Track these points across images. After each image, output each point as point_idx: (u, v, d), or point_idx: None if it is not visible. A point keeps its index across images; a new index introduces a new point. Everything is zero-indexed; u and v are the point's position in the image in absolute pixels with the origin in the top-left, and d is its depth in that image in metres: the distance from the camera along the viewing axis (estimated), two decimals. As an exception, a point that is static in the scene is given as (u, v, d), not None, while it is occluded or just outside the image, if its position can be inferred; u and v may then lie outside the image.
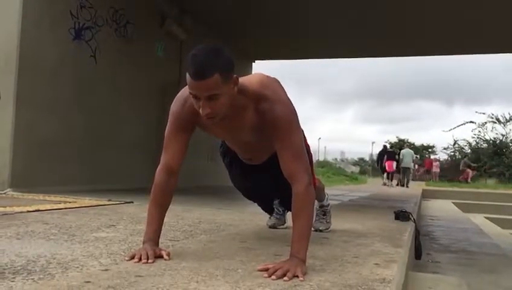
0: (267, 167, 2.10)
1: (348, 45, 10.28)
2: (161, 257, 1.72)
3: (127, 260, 1.68)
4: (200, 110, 1.62)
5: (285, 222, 2.81)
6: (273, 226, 2.79)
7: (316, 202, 2.80)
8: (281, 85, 1.87)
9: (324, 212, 2.81)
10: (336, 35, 9.55)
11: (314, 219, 2.82)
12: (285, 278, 1.51)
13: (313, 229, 2.76)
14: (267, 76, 1.86)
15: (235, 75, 1.65)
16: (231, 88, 1.63)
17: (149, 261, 1.66)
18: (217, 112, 1.63)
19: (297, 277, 1.53)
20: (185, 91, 1.79)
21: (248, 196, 2.60)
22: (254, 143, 1.97)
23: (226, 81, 1.59)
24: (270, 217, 2.82)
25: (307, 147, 2.12)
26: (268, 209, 2.77)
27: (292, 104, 1.81)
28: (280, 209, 2.79)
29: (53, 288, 1.29)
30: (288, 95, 1.86)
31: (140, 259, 1.67)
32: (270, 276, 1.53)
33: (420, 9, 7.73)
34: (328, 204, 2.83)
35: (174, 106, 1.85)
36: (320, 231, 2.77)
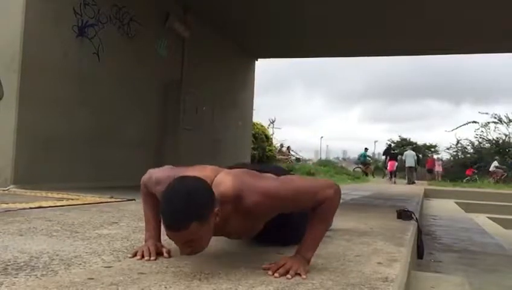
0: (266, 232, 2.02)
1: (354, 44, 10.24)
2: (161, 254, 1.72)
3: (130, 258, 1.68)
4: (179, 250, 1.51)
5: None
6: None
7: None
8: (248, 174, 1.71)
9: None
10: (340, 34, 9.53)
11: None
12: (288, 276, 1.51)
13: None
14: (235, 176, 1.67)
15: (216, 209, 1.51)
16: (211, 223, 1.50)
17: (151, 258, 1.66)
18: (197, 251, 1.54)
19: (299, 275, 1.52)
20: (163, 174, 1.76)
21: None
22: (248, 235, 1.88)
23: (205, 222, 1.46)
24: None
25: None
26: None
27: (264, 178, 1.69)
28: None
29: (56, 285, 1.29)
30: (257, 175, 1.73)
31: (142, 256, 1.67)
32: (273, 273, 1.53)
33: (429, 8, 7.70)
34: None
35: (151, 186, 1.82)
36: None
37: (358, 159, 25.12)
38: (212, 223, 1.51)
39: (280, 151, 22.89)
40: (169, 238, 1.47)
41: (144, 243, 1.80)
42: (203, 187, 1.49)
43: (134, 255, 1.70)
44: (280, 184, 1.65)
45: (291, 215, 1.80)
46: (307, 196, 1.63)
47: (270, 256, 1.84)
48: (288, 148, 24.40)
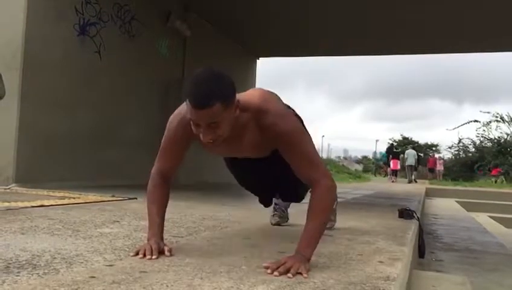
0: (268, 163, 2.07)
1: (355, 43, 10.21)
2: (163, 252, 1.72)
3: (132, 256, 1.69)
4: (201, 136, 1.60)
5: (288, 219, 2.81)
6: (277, 224, 2.79)
7: None
8: (280, 99, 1.85)
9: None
10: (342, 33, 9.51)
11: None
12: (289, 275, 1.50)
13: None
14: (267, 91, 1.84)
15: (236, 99, 1.62)
16: (232, 112, 1.61)
17: (153, 257, 1.66)
18: (219, 138, 1.61)
19: (300, 274, 1.52)
20: (182, 109, 1.77)
21: (247, 188, 2.55)
22: (255, 155, 1.95)
23: (227, 107, 1.57)
24: (273, 215, 2.81)
25: None
26: (266, 203, 2.73)
27: (293, 115, 1.79)
28: (283, 209, 2.79)
29: (58, 283, 1.29)
30: (291, 106, 1.85)
31: (144, 255, 1.67)
32: (272, 272, 1.53)
33: (431, 7, 7.68)
34: (336, 202, 2.84)
35: (173, 122, 1.82)
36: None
37: (380, 159, 24.83)
38: (233, 113, 1.61)
39: None
40: (193, 120, 1.57)
41: (146, 241, 1.80)
42: (227, 74, 1.60)
43: (136, 253, 1.70)
44: (301, 129, 1.75)
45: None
46: (308, 161, 1.71)
47: (271, 255, 1.84)
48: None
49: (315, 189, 1.71)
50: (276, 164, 1.83)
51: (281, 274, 1.51)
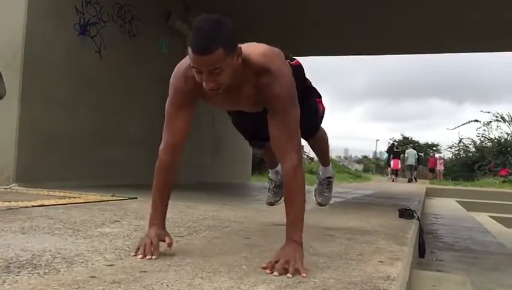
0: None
1: (356, 42, 10.21)
2: (164, 241, 1.72)
3: (133, 256, 1.69)
4: (204, 84, 1.59)
5: (281, 197, 2.78)
6: (270, 204, 2.81)
7: (321, 169, 2.83)
8: (283, 59, 1.83)
9: (329, 182, 2.83)
10: (342, 33, 9.51)
11: (314, 192, 2.85)
12: (288, 275, 1.51)
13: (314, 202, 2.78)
14: (270, 47, 1.82)
15: (239, 46, 1.62)
16: (235, 59, 1.60)
17: (153, 257, 1.65)
18: (221, 85, 1.61)
19: (299, 273, 1.52)
20: (184, 62, 1.77)
21: (243, 133, 2.54)
22: (249, 110, 1.94)
23: (230, 53, 1.56)
24: (268, 192, 2.83)
25: (323, 108, 2.19)
26: (259, 146, 2.72)
27: (293, 81, 1.77)
28: (278, 185, 2.79)
29: (58, 283, 1.29)
30: (290, 69, 1.81)
31: (144, 255, 1.67)
32: (271, 272, 1.53)
33: (432, 6, 7.68)
34: (333, 174, 2.86)
35: (175, 79, 1.82)
36: (320, 204, 2.77)
37: (385, 160, 24.59)
38: (236, 61, 1.60)
39: None
40: (195, 65, 1.56)
41: (147, 229, 1.79)
42: (229, 21, 1.60)
43: (137, 250, 1.70)
44: (292, 99, 1.73)
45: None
46: (285, 135, 1.71)
47: (271, 255, 1.84)
48: (302, 147, 24.02)
49: (283, 167, 1.73)
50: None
51: (280, 274, 1.51)
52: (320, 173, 2.85)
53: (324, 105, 2.32)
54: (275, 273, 1.52)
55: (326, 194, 2.86)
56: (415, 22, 8.49)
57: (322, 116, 2.35)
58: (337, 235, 2.52)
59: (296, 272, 1.52)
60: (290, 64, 1.90)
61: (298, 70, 2.04)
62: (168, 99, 1.86)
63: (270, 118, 1.75)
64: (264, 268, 1.57)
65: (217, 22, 1.56)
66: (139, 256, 1.67)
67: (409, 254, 2.14)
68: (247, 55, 1.68)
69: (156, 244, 1.70)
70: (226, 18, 1.59)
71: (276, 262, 1.56)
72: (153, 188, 1.85)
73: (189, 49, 1.55)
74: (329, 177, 2.84)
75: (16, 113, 4.83)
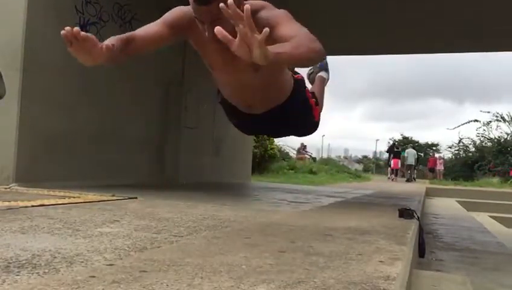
0: (269, 121, 2.02)
1: (356, 42, 10.21)
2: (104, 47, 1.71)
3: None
4: (206, 33, 1.58)
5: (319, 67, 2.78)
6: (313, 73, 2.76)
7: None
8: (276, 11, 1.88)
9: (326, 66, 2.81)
10: (342, 32, 9.50)
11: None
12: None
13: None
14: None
15: None
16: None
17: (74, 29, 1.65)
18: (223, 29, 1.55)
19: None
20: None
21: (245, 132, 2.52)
22: (252, 80, 1.89)
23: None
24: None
25: (318, 119, 2.13)
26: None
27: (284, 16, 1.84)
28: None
29: (58, 282, 1.29)
30: None
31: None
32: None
33: (432, 6, 7.68)
34: (327, 78, 2.81)
35: (176, 9, 1.84)
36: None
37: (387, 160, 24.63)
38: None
39: (299, 151, 22.59)
40: (197, 16, 1.59)
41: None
42: None
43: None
44: (292, 18, 1.87)
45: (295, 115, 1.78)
46: (299, 32, 1.78)
47: (272, 254, 1.84)
48: (305, 147, 23.82)
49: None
50: (278, 121, 1.82)
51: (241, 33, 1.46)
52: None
53: (320, 117, 2.31)
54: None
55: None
56: (415, 21, 8.49)
57: (315, 126, 2.34)
58: (337, 235, 2.51)
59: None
60: (293, 76, 1.89)
61: (300, 83, 2.03)
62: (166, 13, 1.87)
63: (278, 37, 1.70)
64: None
65: None
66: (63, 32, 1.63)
67: (409, 254, 2.14)
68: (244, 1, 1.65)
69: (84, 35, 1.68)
70: None
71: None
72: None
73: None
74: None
75: (15, 112, 4.83)
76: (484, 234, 6.62)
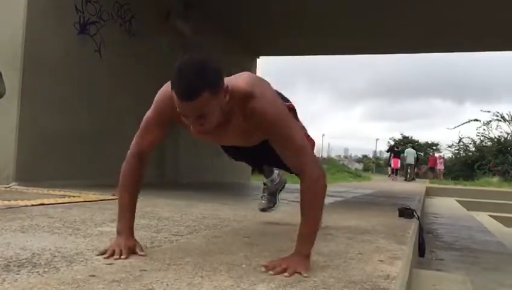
0: (256, 150, 2.00)
1: (356, 42, 10.18)
2: (135, 252, 1.65)
3: (96, 255, 1.62)
4: (191, 128, 1.54)
5: (275, 203, 2.76)
6: (262, 210, 2.76)
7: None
8: (269, 84, 1.77)
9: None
10: (343, 32, 9.49)
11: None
12: (286, 274, 1.48)
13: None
14: (255, 75, 1.77)
15: (225, 85, 1.54)
16: (222, 99, 1.53)
17: (122, 257, 1.59)
18: (209, 128, 1.55)
19: (299, 273, 1.50)
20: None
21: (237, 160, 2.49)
22: (242, 144, 1.89)
23: (216, 95, 1.49)
24: (261, 199, 2.78)
25: (308, 137, 2.08)
26: (260, 171, 2.70)
27: (280, 101, 1.72)
28: (273, 192, 2.74)
29: (58, 281, 1.29)
30: (277, 94, 1.78)
31: (112, 255, 1.60)
32: (267, 270, 1.51)
33: (432, 6, 7.67)
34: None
35: (161, 99, 1.75)
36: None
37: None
38: (223, 100, 1.54)
39: None
40: (181, 111, 1.50)
41: (116, 235, 1.74)
42: (212, 60, 1.53)
43: (103, 253, 1.63)
44: (286, 113, 1.68)
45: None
46: (294, 147, 1.63)
47: (271, 254, 1.84)
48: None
49: (303, 180, 1.64)
50: (264, 150, 1.79)
51: (276, 273, 1.49)
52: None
53: (313, 139, 2.27)
54: (270, 272, 1.50)
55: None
56: (415, 21, 8.48)
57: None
58: (337, 234, 2.51)
59: (296, 273, 1.50)
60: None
61: (291, 112, 2.01)
62: (150, 109, 1.80)
63: (274, 144, 1.67)
64: (265, 266, 1.56)
65: (201, 64, 1.48)
66: (105, 256, 1.60)
67: (408, 253, 2.14)
68: (232, 87, 1.59)
69: (126, 250, 1.63)
70: (208, 58, 1.52)
71: (275, 266, 1.54)
72: (120, 186, 1.83)
73: (174, 93, 1.48)
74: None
75: (15, 112, 4.83)
76: (484, 233, 6.62)
